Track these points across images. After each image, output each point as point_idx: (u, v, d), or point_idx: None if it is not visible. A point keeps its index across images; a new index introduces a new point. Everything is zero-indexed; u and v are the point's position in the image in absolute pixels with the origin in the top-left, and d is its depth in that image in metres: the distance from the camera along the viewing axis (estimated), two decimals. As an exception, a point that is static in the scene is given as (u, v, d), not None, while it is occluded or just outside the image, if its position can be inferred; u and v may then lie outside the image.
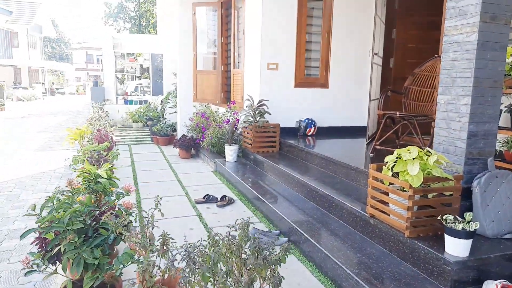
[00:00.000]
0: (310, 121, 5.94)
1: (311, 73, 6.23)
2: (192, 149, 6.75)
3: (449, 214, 2.37)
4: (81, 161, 4.17)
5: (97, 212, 2.03)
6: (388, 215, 2.70)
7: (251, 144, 5.45)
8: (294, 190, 4.15)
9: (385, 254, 2.68)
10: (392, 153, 2.66)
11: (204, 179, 5.21)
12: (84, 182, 3.08)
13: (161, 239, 1.82)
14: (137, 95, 11.72)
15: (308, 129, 5.90)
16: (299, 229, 3.12)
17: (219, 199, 4.22)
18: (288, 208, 3.65)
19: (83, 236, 2.00)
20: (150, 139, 8.46)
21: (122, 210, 2.37)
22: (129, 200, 3.48)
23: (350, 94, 6.38)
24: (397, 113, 4.11)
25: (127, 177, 5.23)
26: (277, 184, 4.47)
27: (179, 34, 8.00)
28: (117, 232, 1.94)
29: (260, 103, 5.52)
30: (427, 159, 2.51)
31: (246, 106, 5.64)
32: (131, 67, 13.05)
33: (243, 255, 1.66)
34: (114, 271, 1.88)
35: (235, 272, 1.57)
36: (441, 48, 5.03)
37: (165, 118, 9.18)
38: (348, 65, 6.30)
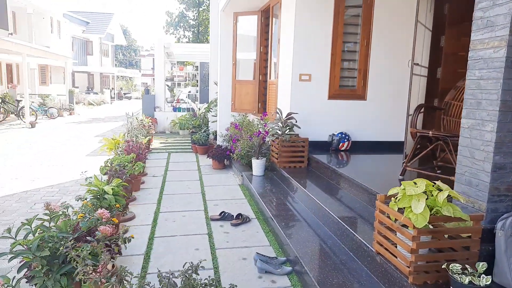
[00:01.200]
0: (343, 135, 5.61)
1: (347, 84, 5.90)
2: (226, 160, 6.74)
3: (457, 262, 2.02)
4: (105, 173, 4.33)
5: (71, 238, 2.04)
6: (394, 255, 2.39)
7: (277, 159, 5.28)
8: (311, 212, 3.91)
9: (388, 298, 2.38)
10: (425, 176, 2.35)
11: (228, 194, 5.15)
12: (92, 198, 3.16)
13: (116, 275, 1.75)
14: (186, 103, 12.08)
15: (341, 144, 5.58)
16: (300, 260, 2.90)
17: (234, 217, 4.12)
18: (298, 233, 3.43)
19: (57, 261, 2.01)
20: (190, 147, 8.63)
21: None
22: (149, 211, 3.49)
23: (390, 106, 5.92)
24: (430, 132, 3.69)
25: (156, 187, 5.34)
26: (297, 204, 4.26)
27: (220, 43, 8.09)
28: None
29: (289, 116, 5.33)
30: (436, 195, 2.18)
31: (275, 119, 5.48)
32: (181, 75, 13.53)
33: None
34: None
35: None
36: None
37: (207, 127, 9.32)
38: (388, 75, 5.86)
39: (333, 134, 5.65)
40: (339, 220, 3.24)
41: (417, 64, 5.09)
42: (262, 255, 3.16)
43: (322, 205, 3.65)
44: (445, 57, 5.71)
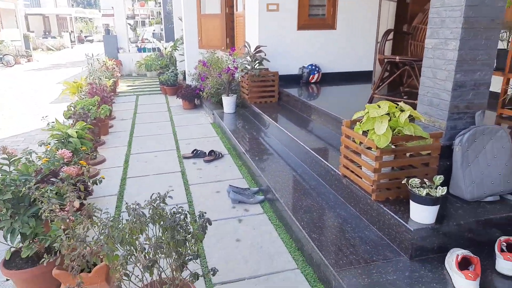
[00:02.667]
0: (313, 67, 5.55)
1: (317, 13, 5.70)
2: (196, 99, 6.61)
3: (417, 178, 2.13)
4: (69, 117, 4.17)
5: (33, 180, 1.99)
6: (359, 176, 2.49)
7: (248, 95, 5.22)
8: (283, 145, 3.97)
9: (354, 216, 2.52)
10: (392, 102, 2.38)
11: (200, 132, 5.12)
12: (56, 143, 3.07)
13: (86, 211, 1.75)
14: (152, 43, 11.48)
15: (311, 76, 5.54)
16: (272, 189, 2.99)
17: (207, 153, 4.14)
18: (270, 165, 3.51)
19: (23, 204, 1.98)
20: (159, 89, 8.38)
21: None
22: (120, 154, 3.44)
23: (361, 35, 5.82)
24: (397, 57, 3.68)
25: (125, 130, 5.24)
26: (269, 138, 4.30)
27: (181, -25, 7.52)
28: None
29: (257, 50, 5.18)
30: (398, 116, 2.22)
31: (243, 54, 5.32)
32: (144, 14, 12.69)
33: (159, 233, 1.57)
34: (45, 241, 1.87)
35: (136, 253, 1.49)
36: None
37: (175, 67, 8.99)
38: (358, 2, 5.68)
39: (303, 67, 5.58)
40: (309, 150, 3.31)
41: (386, -12, 4.92)
42: (235, 186, 3.23)
43: (293, 137, 3.70)
44: (414, -20, 5.54)
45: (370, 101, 4.03)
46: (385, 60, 3.89)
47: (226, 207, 3.04)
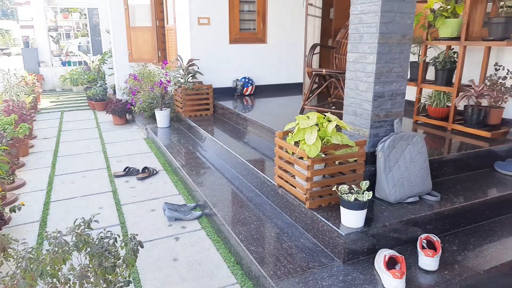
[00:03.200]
0: (247, 80, 5.64)
1: (247, 28, 5.82)
2: (128, 114, 6.35)
3: (346, 184, 2.24)
4: (-20, 138, 3.75)
5: None
6: (293, 185, 2.55)
7: (182, 108, 5.13)
8: (220, 158, 3.95)
9: (290, 225, 2.57)
10: (320, 112, 2.47)
11: (133, 148, 4.91)
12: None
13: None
14: (77, 56, 10.83)
15: (245, 89, 5.62)
16: (209, 203, 2.95)
17: (140, 171, 3.98)
18: (207, 179, 3.46)
19: None
20: (87, 104, 7.92)
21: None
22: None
23: (289, 49, 6.06)
24: (323, 70, 3.88)
25: (48, 150, 4.84)
26: (206, 152, 4.26)
27: (107, -14, 7.24)
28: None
29: (190, 63, 5.14)
30: (326, 126, 2.33)
31: (176, 67, 5.24)
32: (68, 25, 11.98)
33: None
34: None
35: (60, 285, 1.37)
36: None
37: (104, 81, 8.56)
38: (286, 17, 5.92)
39: (237, 80, 5.64)
40: (245, 162, 3.33)
41: (311, 5, 5.21)
42: (171, 203, 3.13)
43: (229, 150, 3.70)
44: (336, -3, 5.92)
45: (301, 112, 4.19)
46: (313, 72, 4.08)
47: (162, 225, 2.93)
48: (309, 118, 2.36)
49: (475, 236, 2.39)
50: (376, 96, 2.51)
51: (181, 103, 5.13)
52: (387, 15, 2.40)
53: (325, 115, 2.41)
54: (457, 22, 3.37)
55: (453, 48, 3.64)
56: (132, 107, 5.85)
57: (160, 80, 5.64)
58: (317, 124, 2.37)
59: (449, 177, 2.88)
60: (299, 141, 2.39)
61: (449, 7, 3.38)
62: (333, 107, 4.61)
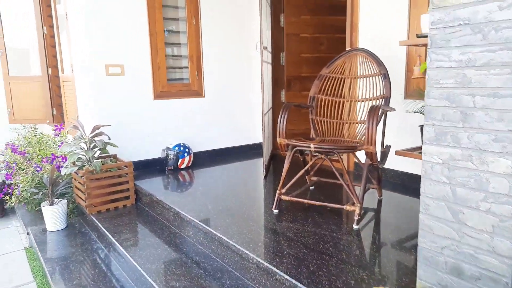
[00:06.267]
0: (182, 147, 4.09)
1: (179, 77, 4.36)
2: (3, 203, 4.29)
3: None
4: None
5: None
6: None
7: (85, 200, 3.35)
8: (136, 285, 2.29)
9: None
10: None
11: (2, 272, 2.96)
12: None
13: None
14: None
15: (180, 160, 4.05)
16: None
17: None
18: None
19: None
20: None
21: None
22: None
23: (235, 102, 4.71)
24: (311, 145, 2.53)
25: None
26: (126, 275, 2.53)
27: (-26, 23, 5.27)
28: None
29: (96, 132, 3.44)
30: None
31: (75, 138, 3.49)
32: None
33: None
34: None
35: None
36: (349, 39, 3.61)
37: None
38: (229, 63, 4.60)
39: (168, 149, 4.06)
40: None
41: (265, 48, 3.97)
42: None
43: (160, 276, 2.07)
44: (287, 40, 4.81)
45: (277, 203, 2.76)
46: (290, 146, 2.72)
47: None
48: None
49: None
50: None
51: (85, 193, 3.35)
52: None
53: None
54: None
55: None
56: (7, 197, 3.85)
57: (53, 155, 3.82)
58: None
59: None
60: None
61: None
62: (312, 188, 3.28)
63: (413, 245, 2.15)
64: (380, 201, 2.97)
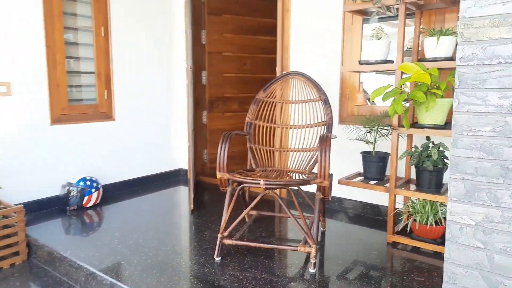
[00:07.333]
0: (88, 182, 3.38)
1: (83, 97, 3.66)
2: None
3: None
4: None
5: None
6: None
7: (-48, 266, 2.46)
8: None
9: None
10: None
11: None
12: None
13: None
14: None
15: (86, 198, 3.34)
16: None
17: None
18: None
19: None
20: None
21: None
22: None
23: (152, 125, 4.17)
24: (261, 181, 2.20)
25: None
26: None
27: None
28: None
29: (-31, 170, 2.59)
30: None
31: None
32: None
33: None
34: None
35: None
36: (281, 61, 3.45)
37: None
38: (146, 81, 4.05)
39: (70, 184, 3.31)
40: None
41: (191, 69, 3.56)
42: None
43: None
44: (209, 58, 4.47)
45: (219, 250, 2.34)
46: (231, 181, 2.36)
47: None
48: None
49: None
50: None
51: (-50, 256, 2.46)
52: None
53: None
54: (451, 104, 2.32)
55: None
56: None
57: None
58: None
59: None
60: None
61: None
62: (250, 224, 2.94)
63: (378, 276, 1.95)
64: (324, 233, 2.77)
